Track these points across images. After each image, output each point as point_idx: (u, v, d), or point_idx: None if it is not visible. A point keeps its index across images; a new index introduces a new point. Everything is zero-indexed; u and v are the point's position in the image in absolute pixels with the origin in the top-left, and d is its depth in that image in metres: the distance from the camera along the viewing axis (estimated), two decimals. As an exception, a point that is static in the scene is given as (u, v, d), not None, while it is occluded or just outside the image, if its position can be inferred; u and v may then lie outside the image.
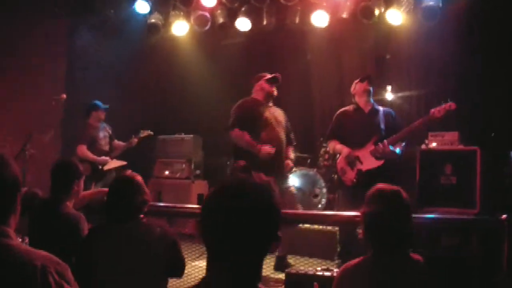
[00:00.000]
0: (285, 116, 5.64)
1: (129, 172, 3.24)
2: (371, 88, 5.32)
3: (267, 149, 5.14)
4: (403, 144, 5.12)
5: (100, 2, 7.93)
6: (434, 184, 5.44)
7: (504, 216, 3.27)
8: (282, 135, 5.46)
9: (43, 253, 1.64)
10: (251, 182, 1.44)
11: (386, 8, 7.07)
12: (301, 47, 8.47)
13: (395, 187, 2.43)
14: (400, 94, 7.37)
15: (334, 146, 5.42)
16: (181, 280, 4.56)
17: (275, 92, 5.45)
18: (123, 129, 7.33)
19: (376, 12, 7.02)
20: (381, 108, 5.37)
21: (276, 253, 5.28)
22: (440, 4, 6.60)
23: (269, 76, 5.45)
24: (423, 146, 5.64)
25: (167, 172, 8.08)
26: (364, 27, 7.51)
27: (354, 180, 5.10)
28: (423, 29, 7.06)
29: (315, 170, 7.03)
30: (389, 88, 7.93)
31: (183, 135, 8.39)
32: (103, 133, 6.85)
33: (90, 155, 6.52)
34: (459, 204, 5.18)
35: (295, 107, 8.77)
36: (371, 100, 5.35)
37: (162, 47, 8.66)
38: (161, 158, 8.30)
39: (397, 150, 5.06)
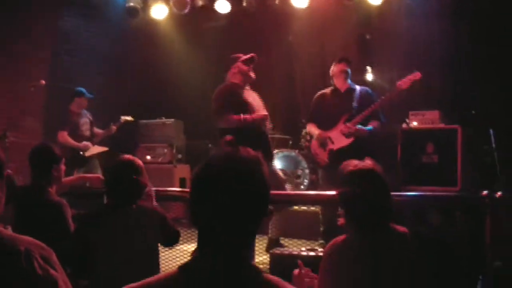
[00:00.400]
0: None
1: (128, 156, 3.23)
2: (348, 69, 5.31)
3: (260, 114, 5.09)
4: (379, 121, 5.12)
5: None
6: (416, 162, 5.50)
7: (485, 192, 3.31)
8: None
9: (27, 238, 1.61)
10: (239, 156, 1.39)
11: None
12: (282, 29, 8.43)
13: (368, 164, 2.37)
14: (381, 75, 7.37)
15: (310, 129, 5.47)
16: (167, 264, 4.59)
17: (253, 74, 5.29)
18: (105, 113, 7.28)
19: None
20: (358, 87, 5.36)
21: (269, 235, 5.28)
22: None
23: (245, 57, 5.30)
24: (404, 125, 5.68)
25: (149, 157, 8.03)
26: (345, 7, 7.50)
27: (327, 160, 5.14)
28: (405, 8, 7.06)
29: (297, 151, 7.04)
30: (369, 68, 7.96)
31: (164, 120, 8.33)
32: (84, 119, 6.78)
33: (71, 141, 6.45)
34: (440, 182, 5.25)
35: (277, 89, 8.78)
36: (349, 81, 5.33)
37: (143, 31, 8.56)
38: (143, 142, 8.25)
39: (369, 127, 5.06)
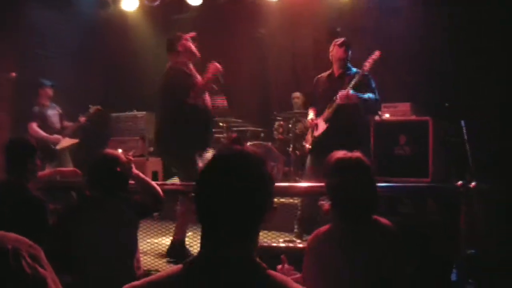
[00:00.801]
0: None
1: (113, 151, 3.26)
2: (347, 56, 5.18)
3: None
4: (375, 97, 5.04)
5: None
6: (388, 154, 5.57)
7: (460, 182, 3.38)
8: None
9: (14, 235, 1.58)
10: (246, 152, 1.41)
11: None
12: (254, 22, 8.42)
13: (356, 155, 2.38)
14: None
15: (308, 114, 5.46)
16: (148, 256, 4.58)
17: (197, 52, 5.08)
18: (76, 106, 7.16)
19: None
20: (353, 70, 5.18)
21: (173, 236, 4.87)
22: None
23: (188, 35, 5.12)
24: (377, 117, 5.74)
25: (120, 150, 7.92)
26: (317, 1, 7.52)
27: (309, 146, 5.18)
28: (376, 2, 7.13)
29: (270, 143, 7.06)
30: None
31: (136, 112, 8.25)
32: (53, 111, 6.68)
33: (42, 133, 6.37)
34: (412, 174, 5.33)
35: (248, 81, 8.79)
36: (348, 64, 5.21)
37: (114, 22, 8.45)
38: (115, 135, 8.16)
39: (364, 95, 4.93)
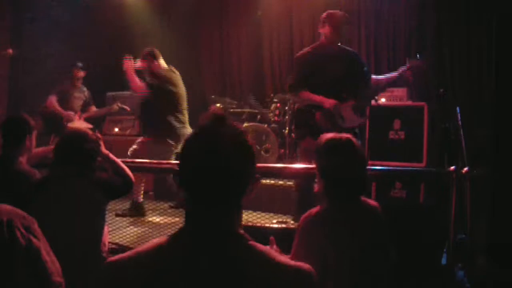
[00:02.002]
0: None
1: (82, 128, 3.22)
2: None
3: None
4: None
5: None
6: (383, 139, 5.59)
7: (452, 167, 3.41)
8: None
9: (8, 207, 1.61)
10: (227, 123, 1.40)
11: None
12: (252, 3, 8.39)
13: (345, 136, 2.41)
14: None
15: (309, 95, 4.63)
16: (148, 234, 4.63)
17: None
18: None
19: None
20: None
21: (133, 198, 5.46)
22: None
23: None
24: (373, 102, 5.74)
25: (116, 129, 7.93)
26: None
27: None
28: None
29: (265, 125, 7.07)
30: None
31: (132, 92, 8.21)
32: (79, 94, 6.78)
33: (57, 106, 6.46)
34: (407, 158, 5.35)
35: (246, 64, 8.78)
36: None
37: (111, 2, 8.37)
38: (110, 115, 8.13)
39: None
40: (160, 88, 5.49)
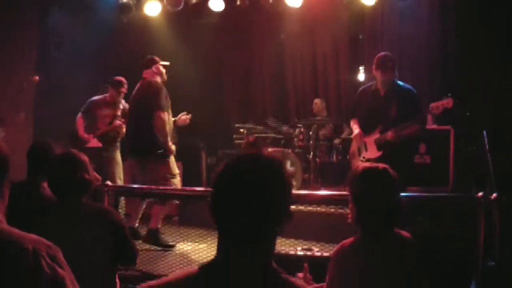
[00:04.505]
0: None
1: (71, 150, 3.08)
2: (392, 76, 4.81)
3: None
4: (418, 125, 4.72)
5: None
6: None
7: (480, 193, 3.35)
8: None
9: (34, 236, 1.61)
10: (264, 156, 1.39)
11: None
12: (274, 27, 8.45)
13: (382, 165, 2.42)
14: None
15: (352, 125, 5.05)
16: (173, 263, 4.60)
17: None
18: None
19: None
20: (401, 85, 4.83)
21: (150, 225, 5.34)
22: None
23: (162, 62, 5.72)
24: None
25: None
26: (338, 7, 7.54)
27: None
28: (397, 9, 7.11)
29: (290, 150, 7.06)
30: (361, 68, 8.01)
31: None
32: (108, 111, 6.48)
33: (80, 126, 6.32)
34: (432, 182, 5.30)
35: (268, 88, 8.80)
36: (395, 81, 4.84)
37: (134, 27, 8.49)
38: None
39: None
40: None
